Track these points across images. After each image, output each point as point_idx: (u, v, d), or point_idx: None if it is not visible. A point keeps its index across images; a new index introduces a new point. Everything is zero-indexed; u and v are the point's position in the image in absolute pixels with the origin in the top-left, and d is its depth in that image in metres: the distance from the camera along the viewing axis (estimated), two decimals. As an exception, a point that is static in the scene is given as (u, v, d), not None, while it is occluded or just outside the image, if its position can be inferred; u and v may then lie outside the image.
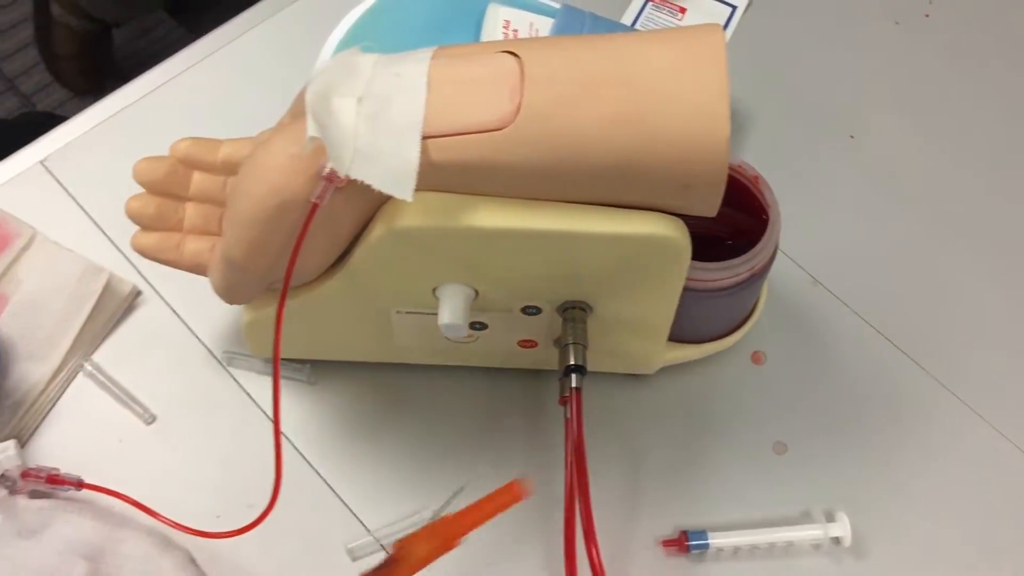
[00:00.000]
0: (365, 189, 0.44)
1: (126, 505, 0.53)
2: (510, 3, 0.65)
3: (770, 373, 0.60)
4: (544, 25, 0.65)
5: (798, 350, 0.61)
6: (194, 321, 0.61)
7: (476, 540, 0.54)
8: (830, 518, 0.55)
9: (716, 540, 0.54)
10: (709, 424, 0.59)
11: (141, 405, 0.57)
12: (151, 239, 0.53)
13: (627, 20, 0.73)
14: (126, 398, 0.58)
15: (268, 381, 0.59)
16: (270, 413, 0.58)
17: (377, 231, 0.46)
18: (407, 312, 0.53)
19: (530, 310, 0.52)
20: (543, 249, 0.47)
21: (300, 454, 0.57)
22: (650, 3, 0.74)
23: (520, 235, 0.46)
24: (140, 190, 0.53)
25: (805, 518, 0.55)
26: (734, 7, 0.75)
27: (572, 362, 0.50)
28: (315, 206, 0.43)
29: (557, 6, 0.65)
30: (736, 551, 0.54)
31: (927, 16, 0.76)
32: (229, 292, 0.50)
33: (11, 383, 0.57)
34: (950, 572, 0.55)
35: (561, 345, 0.51)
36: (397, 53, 0.47)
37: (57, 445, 0.56)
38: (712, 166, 0.43)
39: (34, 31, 1.56)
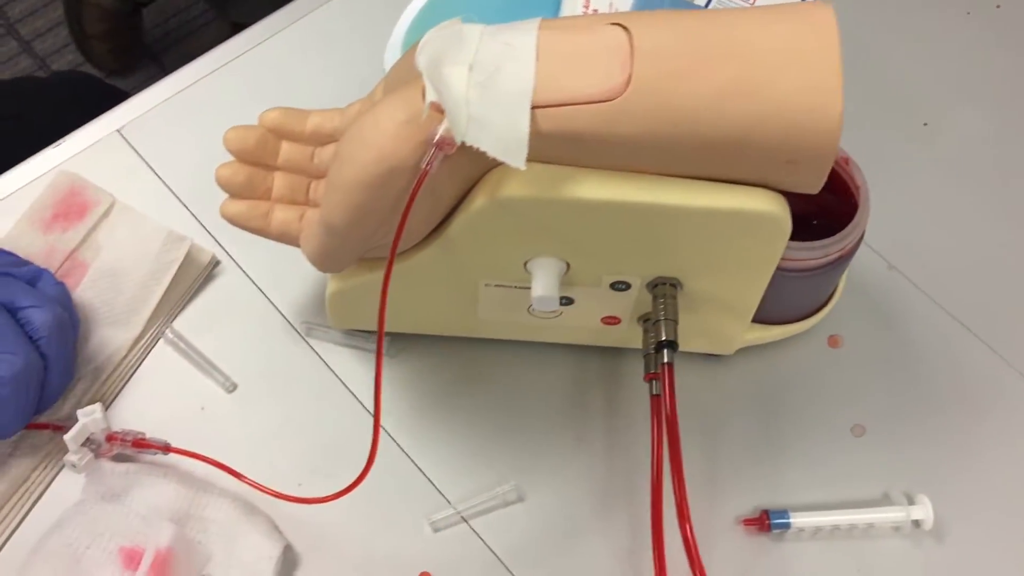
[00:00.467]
0: (469, 158, 0.44)
1: (209, 471, 0.54)
2: (590, -18, 0.65)
3: (847, 357, 0.60)
4: (624, 5, 0.65)
5: (874, 334, 0.61)
6: (272, 291, 0.61)
7: (556, 519, 0.55)
8: (910, 500, 0.55)
9: (797, 520, 0.54)
10: (786, 406, 0.59)
11: (222, 373, 0.58)
12: (240, 207, 0.53)
13: (700, 1, 0.73)
14: (207, 366, 0.58)
15: (346, 352, 0.59)
16: (349, 384, 0.58)
17: (479, 201, 0.46)
18: (495, 285, 0.53)
19: (619, 286, 0.52)
20: (644, 223, 0.47)
21: (383, 427, 0.57)
22: (721, -13, 0.74)
23: (623, 208, 0.46)
24: (215, 160, 0.52)
25: (884, 500, 0.55)
26: (805, -6, 0.75)
27: (664, 338, 0.50)
28: (425, 172, 0.43)
29: (636, -14, 0.65)
30: (816, 531, 0.54)
31: (998, 7, 0.76)
32: (324, 260, 0.50)
33: (92, 349, 0.57)
34: (1029, 558, 0.55)
35: (651, 321, 0.51)
36: (502, 24, 0.47)
37: (138, 412, 0.57)
38: (823, 141, 0.43)
39: (64, 10, 1.56)
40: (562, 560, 0.53)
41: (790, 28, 0.44)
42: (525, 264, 0.51)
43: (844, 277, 0.59)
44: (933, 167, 0.68)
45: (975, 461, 0.57)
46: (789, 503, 0.55)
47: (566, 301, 0.54)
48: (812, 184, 0.45)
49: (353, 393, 0.58)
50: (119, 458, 0.54)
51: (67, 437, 0.51)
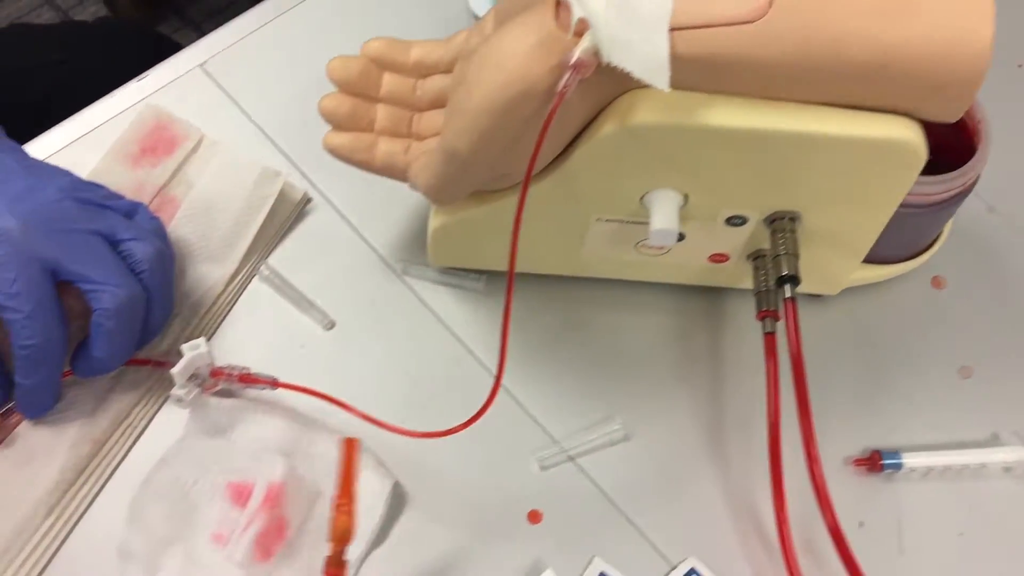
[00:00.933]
0: (601, 83, 0.43)
1: (312, 408, 0.53)
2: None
3: (951, 298, 0.59)
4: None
5: (977, 276, 0.60)
6: (364, 229, 0.60)
7: (663, 458, 0.54)
8: (1021, 441, 0.54)
9: (909, 460, 0.53)
10: (891, 347, 0.58)
11: (319, 310, 0.57)
12: (344, 139, 0.52)
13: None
14: (304, 303, 0.57)
15: (443, 290, 0.58)
16: (447, 322, 0.57)
17: (607, 128, 0.45)
18: (607, 220, 0.52)
19: (735, 220, 0.51)
20: (776, 152, 0.45)
21: (480, 363, 0.56)
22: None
23: (757, 137, 0.44)
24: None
25: (993, 441, 0.55)
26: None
27: (785, 272, 0.50)
28: (562, 94, 0.42)
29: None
30: (927, 472, 0.54)
31: (1090, -55, 0.74)
32: (441, 190, 0.49)
33: (188, 285, 0.56)
34: None
35: (769, 257, 0.51)
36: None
37: (236, 349, 0.56)
38: (971, 67, 0.42)
39: (88, -39, 1.54)
40: (671, 499, 0.53)
41: (939, -53, 0.42)
42: (642, 198, 0.50)
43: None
44: (1028, 109, 0.67)
45: (1083, 402, 0.57)
46: (896, 444, 0.54)
47: (678, 237, 0.53)
48: (953, 112, 0.44)
49: (452, 331, 0.57)
50: (222, 394, 0.53)
51: (174, 371, 0.51)
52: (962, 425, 0.55)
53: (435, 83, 0.53)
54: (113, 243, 0.51)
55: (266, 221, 0.58)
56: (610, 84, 0.44)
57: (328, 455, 0.52)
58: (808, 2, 0.42)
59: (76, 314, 0.51)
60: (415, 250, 0.59)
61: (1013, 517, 0.53)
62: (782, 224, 0.50)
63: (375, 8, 0.68)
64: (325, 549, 0.49)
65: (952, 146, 0.52)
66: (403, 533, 0.51)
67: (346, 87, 0.52)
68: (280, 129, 0.62)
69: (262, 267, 0.58)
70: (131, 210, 0.54)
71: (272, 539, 0.48)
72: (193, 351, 0.51)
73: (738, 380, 0.56)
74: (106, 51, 0.91)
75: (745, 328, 0.58)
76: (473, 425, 0.49)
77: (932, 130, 0.45)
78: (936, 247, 0.57)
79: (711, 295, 0.59)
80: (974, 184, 0.52)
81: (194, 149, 0.60)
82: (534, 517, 0.52)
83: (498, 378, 0.47)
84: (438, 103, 0.54)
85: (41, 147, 0.61)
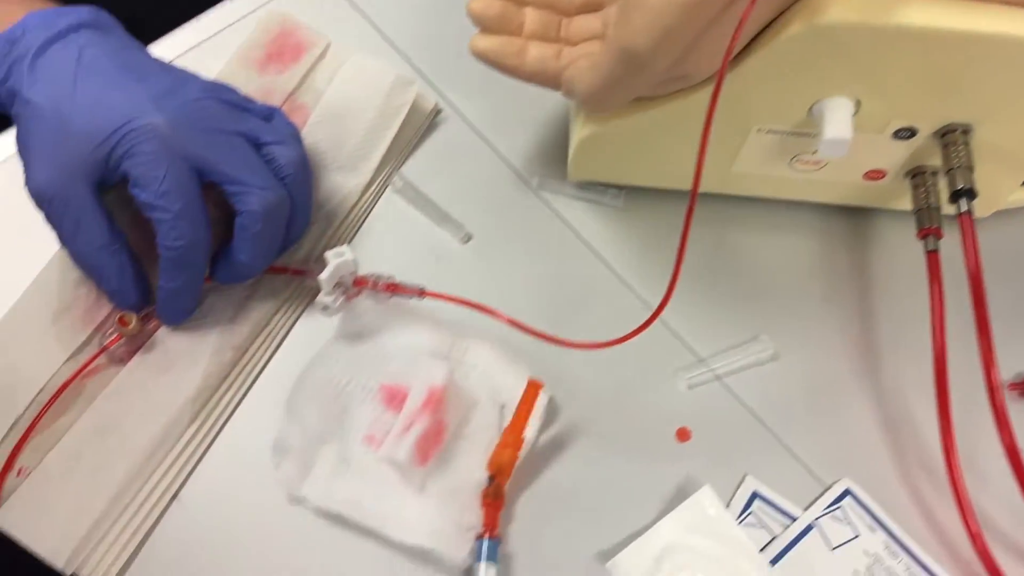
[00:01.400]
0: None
1: (458, 318, 0.51)
2: None
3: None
4: None
5: None
6: (496, 142, 0.58)
7: (812, 378, 0.53)
8: None
9: (1066, 385, 0.52)
10: (1039, 273, 0.56)
11: (455, 223, 0.55)
12: (493, 42, 0.50)
13: None
14: (439, 216, 0.55)
15: (579, 205, 0.57)
16: (585, 237, 0.56)
17: (794, 27, 0.43)
18: (768, 131, 0.50)
19: (903, 133, 0.49)
20: (966, 56, 0.44)
21: (620, 279, 0.55)
22: None
23: (951, 38, 0.42)
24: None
25: None
26: None
27: (961, 186, 0.48)
28: (764, -16, 0.40)
29: None
30: (1082, 398, 0.53)
31: None
32: (605, 93, 0.47)
33: (322, 194, 0.55)
34: None
35: (944, 170, 0.49)
36: None
37: (371, 260, 0.54)
38: None
39: None
40: (822, 420, 0.52)
41: None
42: (811, 107, 0.48)
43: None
44: None
45: None
46: (1048, 370, 0.53)
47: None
48: None
49: (590, 246, 0.56)
50: (365, 303, 0.52)
51: (322, 277, 0.49)
52: (1116, 352, 0.54)
53: None
54: (256, 146, 0.50)
55: (399, 131, 0.56)
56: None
57: (480, 365, 0.50)
58: None
59: (212, 220, 0.50)
60: (548, 164, 0.58)
61: None
62: (955, 137, 0.48)
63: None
64: (478, 462, 0.48)
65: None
66: (552, 446, 0.50)
67: (493, -12, 0.50)
68: (408, 39, 0.60)
69: (395, 178, 0.56)
70: (268, 114, 0.52)
71: (430, 443, 0.47)
72: (338, 258, 0.50)
73: (888, 302, 0.55)
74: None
75: (894, 249, 0.56)
76: (607, 347, 0.48)
77: None
78: (1092, 170, 0.56)
79: (855, 216, 0.57)
80: None
81: (321, 56, 0.58)
82: (682, 435, 0.51)
83: (669, 292, 0.46)
84: (588, 7, 0.52)
85: (159, 53, 0.59)
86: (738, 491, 0.50)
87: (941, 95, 0.46)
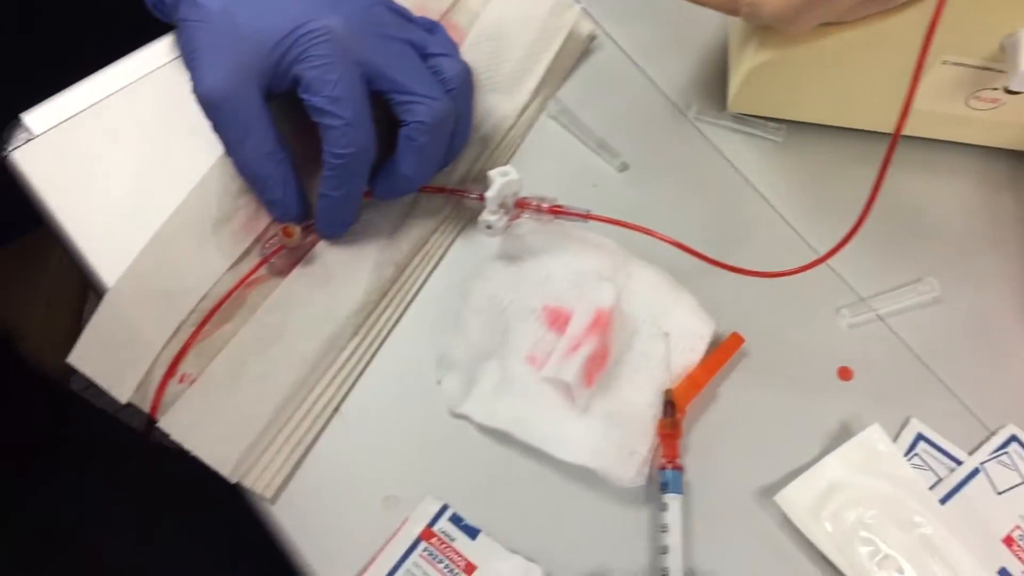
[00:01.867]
0: None
1: (621, 243, 0.50)
2: None
3: None
4: None
5: None
6: (652, 70, 0.57)
7: (975, 320, 0.52)
8: None
9: None
10: None
11: (612, 151, 0.54)
12: None
13: None
14: (595, 143, 0.54)
15: (737, 137, 0.56)
16: (742, 169, 0.55)
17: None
18: (953, 63, 0.48)
19: (1095, 71, 0.47)
20: None
21: (778, 213, 0.54)
22: None
23: None
24: None
25: None
26: None
27: None
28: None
29: None
30: None
31: None
32: (796, 15, 0.45)
33: (479, 116, 0.54)
34: None
35: None
36: None
37: (528, 184, 0.53)
38: None
39: None
40: (987, 364, 0.51)
41: None
42: (1003, 40, 0.46)
43: None
44: None
45: None
46: None
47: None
48: None
49: (748, 179, 0.54)
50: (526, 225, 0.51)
51: (488, 195, 0.48)
52: None
53: None
54: (422, 56, 0.49)
55: (555, 55, 0.55)
56: None
57: (643, 291, 0.50)
58: None
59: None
60: (704, 94, 0.56)
61: None
62: None
63: None
64: (641, 389, 0.47)
65: None
66: (712, 382, 0.49)
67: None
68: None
69: (551, 103, 0.55)
70: (430, 27, 0.51)
71: (595, 365, 0.46)
72: (504, 177, 0.49)
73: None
74: None
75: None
76: (779, 277, 0.47)
77: None
78: None
79: (1018, 159, 0.55)
80: None
81: (475, -24, 0.57)
82: (844, 374, 0.50)
83: (851, 234, 0.45)
84: None
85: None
86: (902, 433, 0.49)
87: None
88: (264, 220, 0.50)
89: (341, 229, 0.50)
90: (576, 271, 0.49)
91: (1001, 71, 0.48)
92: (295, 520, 0.45)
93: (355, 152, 0.46)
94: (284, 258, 0.50)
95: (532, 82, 0.54)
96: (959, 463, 0.48)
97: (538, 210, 0.50)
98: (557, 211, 0.50)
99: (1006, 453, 0.49)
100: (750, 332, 0.50)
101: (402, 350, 0.49)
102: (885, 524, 0.45)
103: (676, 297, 0.50)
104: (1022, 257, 0.53)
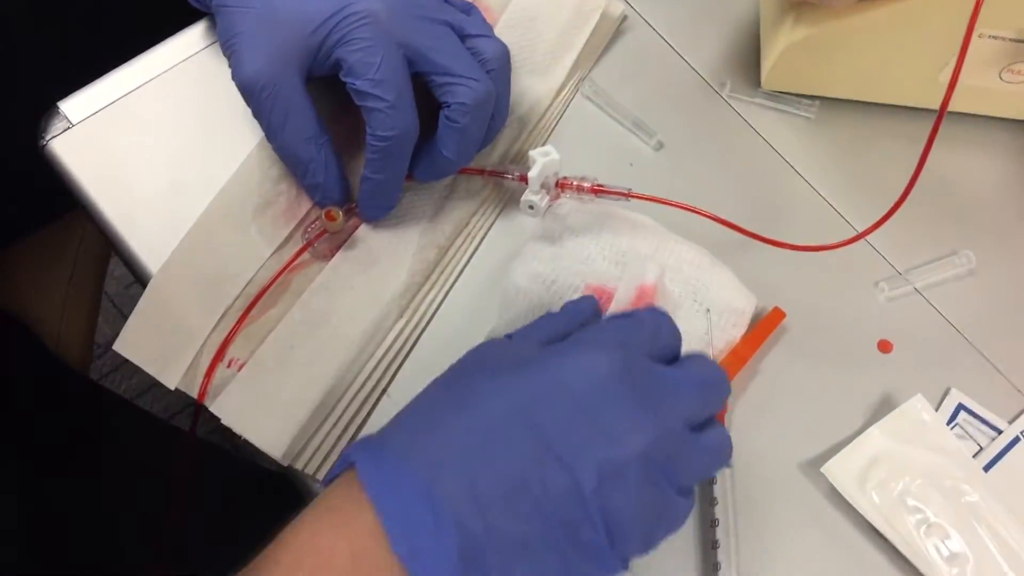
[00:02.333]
0: None
1: (662, 221, 0.51)
2: None
3: None
4: None
5: None
6: (683, 48, 0.57)
7: (1014, 293, 0.52)
8: None
9: None
10: None
11: (647, 129, 0.54)
12: None
13: None
14: (630, 122, 0.55)
15: (770, 114, 0.56)
16: (776, 145, 0.55)
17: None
18: (991, 36, 0.49)
19: None
20: None
21: (813, 188, 0.54)
22: None
23: None
24: None
25: None
26: None
27: None
28: None
29: None
30: None
31: None
32: None
33: (514, 97, 0.54)
34: None
35: None
36: None
37: (565, 165, 0.53)
38: None
39: None
40: (1022, 333, 0.51)
41: None
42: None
43: None
44: None
45: None
46: None
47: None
48: None
49: (782, 156, 0.55)
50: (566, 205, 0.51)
51: (531, 175, 0.49)
52: None
53: None
54: (460, 38, 0.49)
55: (589, 36, 0.55)
56: None
57: (684, 268, 0.50)
58: None
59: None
60: (736, 72, 0.57)
61: None
62: None
63: None
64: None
65: None
66: (754, 357, 0.50)
67: None
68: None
69: (585, 84, 0.55)
70: (467, 9, 0.51)
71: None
72: (545, 157, 0.49)
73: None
74: None
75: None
76: (819, 251, 0.48)
77: None
78: None
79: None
80: None
81: (506, -42, 0.57)
82: (884, 346, 0.51)
83: (892, 210, 0.45)
84: None
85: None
86: (943, 403, 0.49)
87: None
88: (306, 205, 0.50)
89: (384, 212, 0.50)
90: (617, 250, 0.50)
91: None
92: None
93: (399, 134, 0.46)
94: (327, 242, 0.50)
95: (567, 63, 0.55)
96: (999, 432, 0.49)
97: (579, 189, 0.50)
98: (598, 190, 0.50)
99: (1046, 421, 0.49)
100: (790, 307, 0.50)
101: (446, 331, 0.49)
102: (931, 493, 0.46)
103: (717, 273, 0.50)
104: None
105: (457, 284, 0.50)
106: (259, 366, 0.47)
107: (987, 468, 0.48)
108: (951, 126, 0.56)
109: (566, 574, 0.34)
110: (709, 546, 0.45)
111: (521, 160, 0.53)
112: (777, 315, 0.50)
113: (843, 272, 0.52)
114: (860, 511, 0.46)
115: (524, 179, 0.50)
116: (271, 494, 0.76)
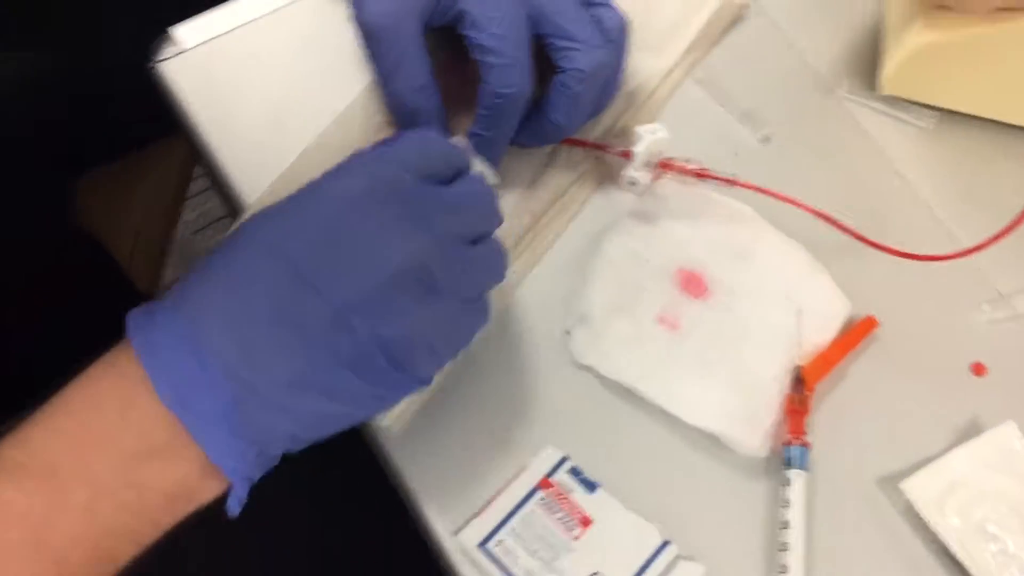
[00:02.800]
0: None
1: (762, 212, 0.49)
2: None
3: None
4: None
5: None
6: (802, 43, 0.56)
7: None
8: None
9: None
10: None
11: (756, 121, 0.53)
12: None
13: None
14: (739, 112, 0.53)
15: (885, 120, 0.55)
16: (889, 152, 0.54)
17: None
18: None
19: None
20: None
21: (923, 202, 0.52)
22: None
23: None
24: None
25: None
26: None
27: None
28: None
29: None
30: None
31: None
32: None
33: (625, 72, 0.53)
34: None
35: None
36: None
37: (669, 146, 0.53)
38: None
39: None
40: None
41: None
42: None
43: None
44: None
45: None
46: None
47: None
48: None
49: (893, 165, 0.53)
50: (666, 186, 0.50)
51: (636, 150, 0.48)
52: None
53: None
54: (584, 4, 0.48)
55: (708, 19, 0.54)
56: None
57: (780, 263, 0.49)
58: None
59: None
60: (854, 73, 0.55)
61: None
62: None
63: None
64: (769, 360, 0.47)
65: None
66: (841, 363, 0.48)
67: None
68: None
69: (698, 68, 0.54)
70: (587, -25, 0.51)
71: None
72: (652, 135, 0.48)
73: None
74: None
75: None
76: (921, 261, 0.47)
77: None
78: None
79: None
80: None
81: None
82: (978, 369, 0.49)
83: (1005, 231, 0.43)
84: None
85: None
86: (1036, 434, 0.48)
87: None
88: (406, 155, 0.50)
89: (486, 170, 0.50)
90: (714, 236, 0.49)
91: None
92: (411, 456, 0.45)
93: (513, 92, 0.45)
94: (423, 195, 0.50)
95: (682, 43, 0.54)
96: (1093, 471, 0.47)
97: (683, 171, 0.49)
98: (703, 174, 0.49)
99: None
100: (884, 317, 0.49)
101: (532, 298, 0.49)
102: (1014, 523, 0.44)
103: (813, 273, 0.49)
104: None
105: (548, 252, 0.50)
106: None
107: (1076, 507, 0.46)
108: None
109: (358, 403, 0.35)
110: (777, 548, 0.44)
111: (625, 136, 0.52)
112: (870, 323, 0.49)
113: (944, 288, 0.50)
114: (937, 532, 0.44)
115: (627, 155, 0.49)
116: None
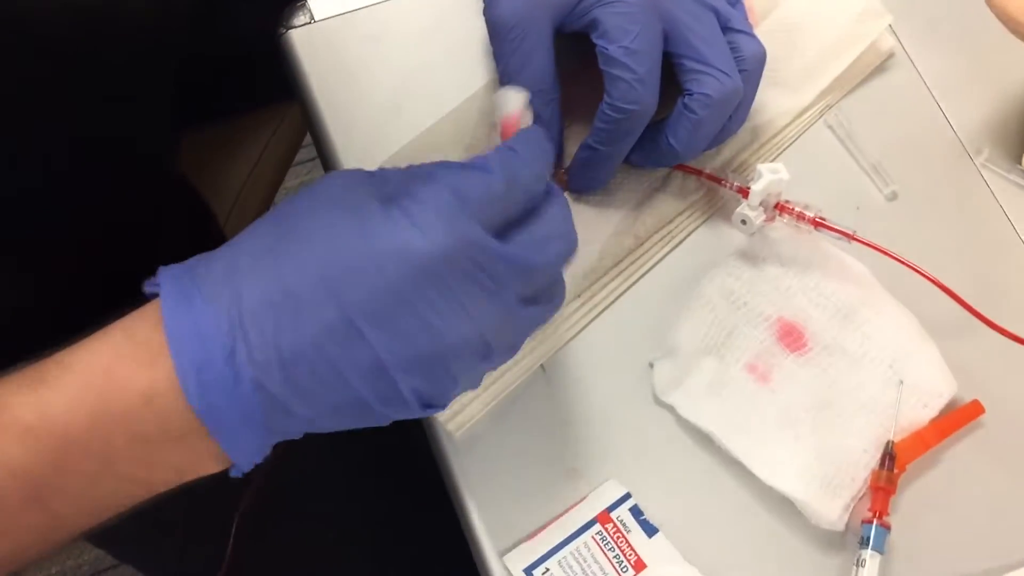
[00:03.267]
0: None
1: (876, 273, 0.47)
2: None
3: None
4: None
5: None
6: (945, 102, 0.53)
7: None
8: None
9: None
10: None
11: (884, 176, 0.50)
12: None
13: None
14: (868, 164, 0.51)
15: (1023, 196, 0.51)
16: (1020, 230, 0.50)
17: None
18: None
19: None
20: None
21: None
22: None
23: None
24: None
25: None
26: None
27: None
28: None
29: None
30: None
31: None
32: None
33: (755, 106, 0.51)
34: None
35: None
36: None
37: (788, 190, 0.50)
38: None
39: None
40: None
41: None
42: None
43: None
44: None
45: None
46: None
47: None
48: None
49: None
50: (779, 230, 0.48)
51: (754, 187, 0.46)
52: None
53: None
54: (723, 29, 0.46)
55: (850, 64, 0.52)
56: None
57: (889, 331, 0.46)
58: None
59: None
60: (998, 141, 0.52)
61: None
62: None
63: None
64: (863, 430, 0.44)
65: None
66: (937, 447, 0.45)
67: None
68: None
69: (832, 112, 0.52)
70: (733, 2, 0.49)
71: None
72: (773, 175, 0.46)
73: None
74: None
75: None
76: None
77: None
78: None
79: None
80: None
81: (781, -39, 0.54)
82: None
83: None
84: None
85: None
86: None
87: None
88: (514, 158, 0.49)
89: (595, 186, 0.48)
90: (822, 290, 0.46)
91: None
92: (470, 465, 0.44)
93: (638, 110, 0.44)
94: (526, 201, 0.48)
95: (820, 84, 0.51)
96: None
97: (799, 217, 0.46)
98: (820, 223, 0.46)
99: None
100: (991, 403, 0.46)
101: (620, 324, 0.47)
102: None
103: (921, 346, 0.46)
104: None
105: (642, 280, 0.48)
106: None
107: None
108: None
109: (378, 421, 0.35)
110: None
111: (743, 172, 0.50)
112: (975, 408, 0.45)
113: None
114: (1014, 646, 0.41)
115: (743, 191, 0.47)
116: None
